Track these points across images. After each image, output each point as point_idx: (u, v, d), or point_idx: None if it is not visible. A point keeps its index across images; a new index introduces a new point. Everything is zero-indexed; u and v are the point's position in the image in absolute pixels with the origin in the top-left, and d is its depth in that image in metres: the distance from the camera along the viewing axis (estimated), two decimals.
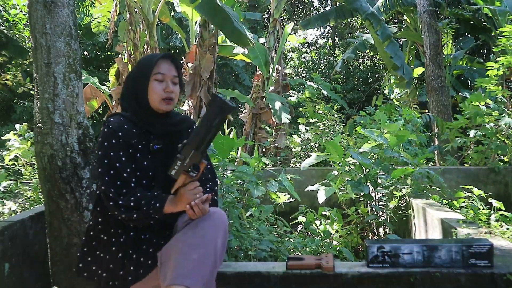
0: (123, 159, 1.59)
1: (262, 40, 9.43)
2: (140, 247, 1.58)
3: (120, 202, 1.53)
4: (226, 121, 7.02)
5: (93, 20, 7.38)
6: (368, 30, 7.73)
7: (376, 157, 3.48)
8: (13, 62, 7.58)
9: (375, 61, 14.82)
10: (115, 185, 1.56)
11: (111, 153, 1.58)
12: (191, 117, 6.04)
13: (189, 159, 1.55)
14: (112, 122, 1.63)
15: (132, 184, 1.59)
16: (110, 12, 6.85)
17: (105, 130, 1.62)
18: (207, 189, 1.71)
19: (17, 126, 4.03)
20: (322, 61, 15.40)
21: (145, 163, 1.63)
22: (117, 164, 1.57)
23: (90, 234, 1.65)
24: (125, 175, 1.57)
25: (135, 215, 1.53)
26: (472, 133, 4.45)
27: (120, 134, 1.61)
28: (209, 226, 1.51)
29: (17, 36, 7.40)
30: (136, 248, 1.58)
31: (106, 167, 1.57)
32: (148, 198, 1.55)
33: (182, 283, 1.36)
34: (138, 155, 1.63)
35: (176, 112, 1.82)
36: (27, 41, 7.54)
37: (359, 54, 13.24)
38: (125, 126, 1.63)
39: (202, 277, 1.40)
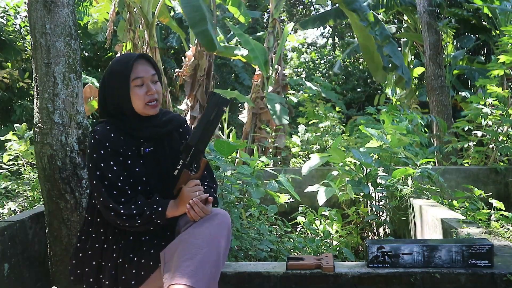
0: (115, 168, 1.57)
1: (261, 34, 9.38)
2: (141, 249, 1.57)
3: (122, 211, 1.51)
4: (226, 122, 7.02)
5: (91, 20, 7.39)
6: (356, 36, 7.69)
7: (377, 157, 3.48)
8: (9, 62, 7.59)
9: None
10: (112, 195, 1.54)
11: (102, 164, 1.56)
12: (188, 116, 6.03)
13: (190, 157, 1.56)
14: (98, 132, 1.60)
15: (129, 192, 1.57)
16: (108, 11, 6.85)
17: (92, 141, 1.59)
18: (205, 187, 1.69)
19: (16, 126, 4.03)
20: (322, 61, 15.40)
21: (137, 169, 1.61)
22: (109, 174, 1.55)
23: (96, 247, 1.61)
24: (119, 184, 1.55)
25: (138, 222, 1.52)
26: (478, 133, 4.45)
27: (107, 144, 1.58)
28: (212, 226, 1.50)
29: (10, 36, 7.42)
30: (137, 251, 1.56)
31: (99, 178, 1.55)
32: (150, 204, 1.54)
33: (185, 283, 1.35)
34: (129, 162, 1.61)
35: (164, 110, 1.78)
36: (25, 40, 7.55)
37: (359, 54, 13.25)
38: (112, 135, 1.60)
39: (205, 277, 1.39)
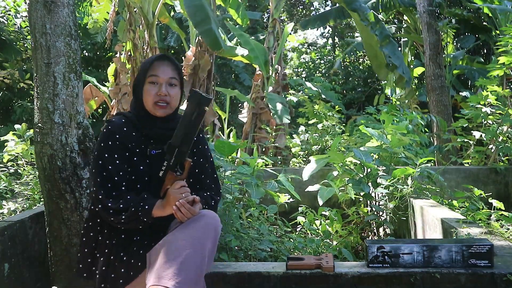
0: (117, 162, 1.58)
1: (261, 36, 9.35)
2: (131, 248, 1.57)
3: (109, 204, 1.52)
4: (226, 122, 7.02)
5: (90, 20, 7.40)
6: (359, 34, 7.69)
7: (377, 157, 3.48)
8: (9, 62, 7.59)
9: None
10: (105, 187, 1.55)
11: (106, 155, 1.58)
12: None
13: (174, 158, 1.56)
14: (112, 123, 1.63)
15: (123, 188, 1.58)
16: (107, 11, 6.84)
17: (104, 130, 1.62)
18: (205, 194, 1.70)
19: (16, 126, 4.03)
20: (322, 61, 15.41)
21: (141, 167, 1.62)
22: (110, 167, 1.57)
23: (90, 235, 1.64)
24: (116, 178, 1.56)
25: (123, 218, 1.52)
26: (477, 134, 4.45)
27: (117, 136, 1.60)
28: (199, 227, 1.49)
29: (11, 36, 7.42)
30: (127, 250, 1.57)
31: (99, 168, 1.57)
32: (137, 200, 1.54)
33: (165, 285, 1.34)
34: (135, 159, 1.62)
35: (180, 116, 1.81)
36: (26, 41, 7.56)
37: (359, 54, 13.25)
38: (125, 129, 1.62)
39: (188, 278, 1.38)
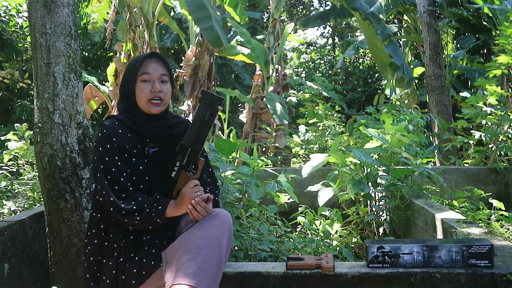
0: (119, 163, 1.58)
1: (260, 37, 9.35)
2: (142, 248, 1.57)
3: (122, 205, 1.52)
4: (226, 122, 7.02)
5: (90, 21, 7.40)
6: (362, 32, 7.68)
7: (377, 157, 3.49)
8: (9, 62, 7.58)
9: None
10: (114, 190, 1.55)
11: (106, 158, 1.57)
12: (190, 117, 6.03)
13: (187, 158, 1.56)
14: (106, 127, 1.62)
15: (130, 188, 1.58)
16: (106, 12, 6.85)
17: (99, 134, 1.61)
18: (207, 190, 1.69)
19: (17, 125, 4.03)
20: (322, 61, 15.41)
21: (141, 167, 1.62)
22: (113, 169, 1.56)
23: (95, 243, 1.62)
24: (122, 179, 1.56)
25: (137, 219, 1.52)
26: (476, 134, 4.46)
27: (114, 139, 1.59)
28: (214, 226, 1.50)
29: (12, 36, 7.43)
30: (137, 250, 1.56)
31: (102, 172, 1.56)
32: (150, 201, 1.54)
33: (187, 283, 1.35)
34: (133, 159, 1.61)
35: (174, 114, 1.80)
36: (27, 41, 7.56)
37: (360, 54, 13.24)
38: (120, 131, 1.62)
39: (207, 276, 1.40)
